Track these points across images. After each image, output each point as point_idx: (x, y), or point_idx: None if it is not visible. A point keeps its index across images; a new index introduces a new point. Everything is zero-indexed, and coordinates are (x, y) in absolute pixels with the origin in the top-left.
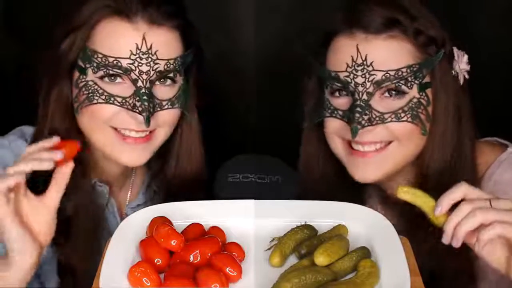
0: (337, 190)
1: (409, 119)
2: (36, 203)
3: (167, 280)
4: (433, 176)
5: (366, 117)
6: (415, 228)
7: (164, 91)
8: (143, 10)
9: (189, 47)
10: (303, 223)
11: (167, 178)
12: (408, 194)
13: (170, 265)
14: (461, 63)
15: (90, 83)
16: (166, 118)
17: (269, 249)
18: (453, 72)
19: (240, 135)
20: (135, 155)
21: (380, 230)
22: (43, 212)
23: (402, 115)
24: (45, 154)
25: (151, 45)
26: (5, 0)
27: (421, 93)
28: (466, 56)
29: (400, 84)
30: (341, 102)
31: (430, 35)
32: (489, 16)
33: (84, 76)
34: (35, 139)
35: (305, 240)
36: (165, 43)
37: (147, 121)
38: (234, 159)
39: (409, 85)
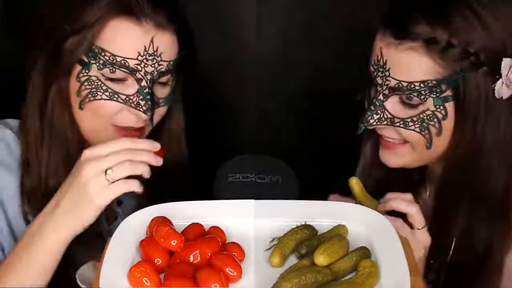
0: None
1: (417, 129)
2: None
3: (167, 280)
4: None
5: (376, 116)
6: None
7: (161, 90)
8: (152, 12)
9: (183, 48)
10: (303, 223)
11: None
12: (357, 185)
13: (170, 265)
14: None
15: (93, 78)
16: (156, 116)
17: (269, 249)
18: (494, 87)
19: (240, 135)
20: None
21: (380, 230)
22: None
23: (410, 124)
24: (151, 158)
25: (157, 48)
26: (5, 0)
27: (437, 106)
28: None
29: (412, 96)
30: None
31: (468, 50)
32: None
33: (87, 71)
34: (26, 139)
35: (305, 240)
36: (167, 46)
37: (151, 120)
38: (234, 159)
39: (422, 98)
